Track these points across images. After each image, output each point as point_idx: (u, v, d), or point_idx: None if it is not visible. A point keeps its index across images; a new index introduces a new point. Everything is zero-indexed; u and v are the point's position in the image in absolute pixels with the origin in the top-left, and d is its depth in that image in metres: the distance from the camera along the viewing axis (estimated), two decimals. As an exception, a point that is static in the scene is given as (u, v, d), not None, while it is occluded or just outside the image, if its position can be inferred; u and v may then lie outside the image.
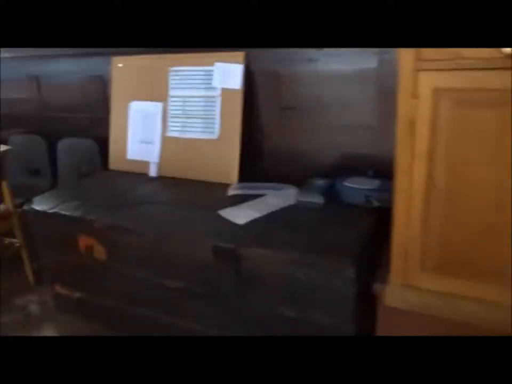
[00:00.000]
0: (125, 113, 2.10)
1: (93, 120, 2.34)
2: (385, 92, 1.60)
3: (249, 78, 1.84)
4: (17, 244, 2.09)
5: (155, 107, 2.02)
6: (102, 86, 2.26)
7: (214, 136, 1.88)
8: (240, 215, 1.49)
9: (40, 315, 1.96)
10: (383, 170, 1.60)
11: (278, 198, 1.62)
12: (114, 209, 1.65)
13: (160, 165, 2.01)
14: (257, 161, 1.94)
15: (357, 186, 1.55)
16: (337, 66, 1.68)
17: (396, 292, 1.14)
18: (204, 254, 1.39)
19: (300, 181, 1.74)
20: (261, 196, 1.66)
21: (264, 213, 1.50)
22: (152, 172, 2.02)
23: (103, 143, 2.21)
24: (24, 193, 2.31)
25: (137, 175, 2.03)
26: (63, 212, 1.66)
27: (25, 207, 2.16)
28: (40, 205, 1.75)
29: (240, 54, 1.81)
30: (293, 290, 1.29)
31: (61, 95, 2.44)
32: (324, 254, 1.24)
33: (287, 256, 1.27)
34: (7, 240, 2.13)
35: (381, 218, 1.46)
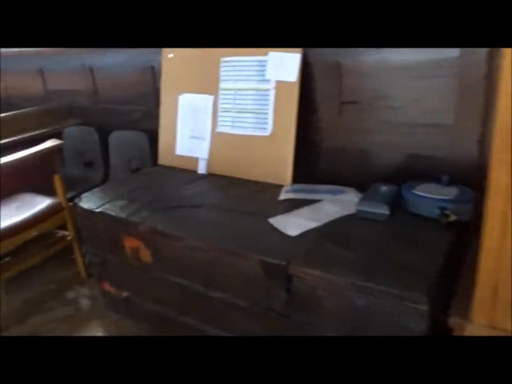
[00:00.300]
0: (174, 106, 2.01)
1: (144, 112, 2.29)
2: (467, 86, 1.37)
3: (306, 69, 1.66)
4: (69, 237, 2.09)
5: (205, 100, 1.91)
6: (153, 77, 2.19)
7: (267, 132, 1.73)
8: (292, 225, 1.35)
9: (90, 311, 1.96)
10: (461, 177, 1.39)
11: (335, 205, 1.45)
12: (159, 211, 1.57)
13: (209, 162, 1.90)
14: (313, 161, 1.78)
15: (429, 196, 1.34)
16: (410, 56, 1.46)
17: (479, 332, 0.95)
18: (252, 268, 1.27)
19: (360, 185, 1.57)
20: (317, 201, 1.50)
21: (320, 223, 1.35)
22: (201, 169, 1.92)
23: (153, 137, 2.15)
24: (78, 186, 2.33)
25: (186, 172, 1.95)
26: (109, 212, 1.61)
27: (76, 201, 2.17)
28: (87, 203, 1.71)
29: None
30: (349, 318, 1.13)
31: (114, 86, 2.40)
32: (389, 279, 1.07)
33: (345, 279, 1.11)
34: (60, 233, 2.14)
35: (459, 235, 1.26)
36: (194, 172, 1.93)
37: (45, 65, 2.72)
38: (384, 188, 1.45)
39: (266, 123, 1.73)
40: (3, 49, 2.88)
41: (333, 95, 1.66)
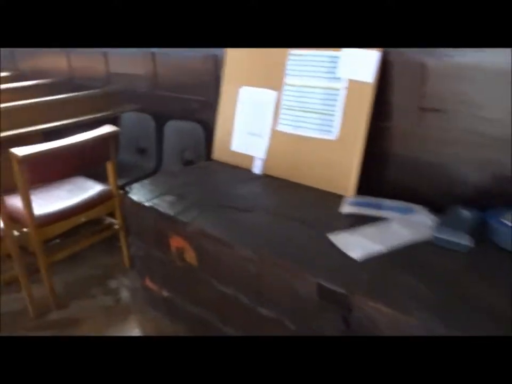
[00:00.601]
0: (234, 99, 1.89)
1: (202, 103, 2.20)
2: None
3: (384, 69, 1.48)
4: (117, 226, 2.06)
5: (267, 95, 1.77)
6: (215, 67, 2.09)
7: (332, 136, 1.57)
8: (355, 245, 1.19)
9: (129, 304, 1.91)
10: None
11: (405, 227, 1.28)
12: (209, 212, 1.47)
13: (265, 162, 1.78)
14: (381, 172, 1.60)
15: (522, 229, 1.14)
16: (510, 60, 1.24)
17: None
18: (306, 289, 1.13)
19: (433, 204, 1.38)
20: (384, 219, 1.33)
21: (388, 246, 1.18)
22: (257, 169, 1.80)
23: (210, 129, 2.05)
24: (130, 173, 2.29)
25: (240, 170, 1.83)
26: (157, 208, 1.53)
27: (127, 190, 2.12)
28: (137, 194, 1.64)
29: (377, 38, 1.46)
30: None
31: (174, 74, 2.33)
32: (474, 326, 0.89)
33: (415, 319, 0.95)
34: (108, 220, 2.11)
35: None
36: (248, 170, 1.82)
37: (109, 48, 2.71)
38: (465, 213, 1.25)
39: (332, 125, 1.57)
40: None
41: (412, 100, 1.47)
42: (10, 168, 1.62)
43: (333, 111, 1.57)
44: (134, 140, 2.46)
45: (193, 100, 2.25)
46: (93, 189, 1.98)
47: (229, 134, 1.91)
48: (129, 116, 2.49)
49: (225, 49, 1.91)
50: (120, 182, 2.07)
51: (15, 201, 1.76)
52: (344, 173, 1.54)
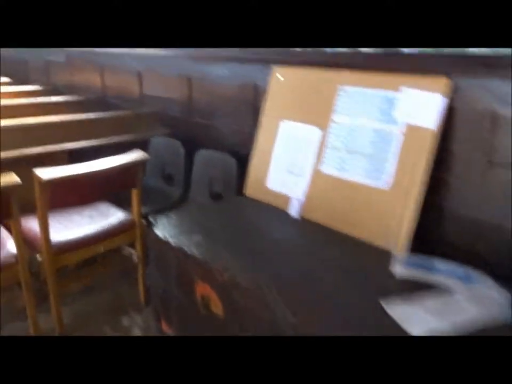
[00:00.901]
0: (273, 132, 1.77)
1: (237, 133, 2.08)
2: None
3: (448, 115, 1.33)
4: (136, 258, 1.92)
5: (311, 132, 1.64)
6: (253, 96, 1.97)
7: (384, 184, 1.42)
8: (415, 320, 1.01)
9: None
10: None
11: (472, 301, 1.09)
12: (241, 259, 1.32)
13: (304, 204, 1.62)
14: (437, 230, 1.42)
15: None
16: None
17: None
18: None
19: (496, 272, 1.20)
20: (445, 289, 1.15)
21: (453, 326, 1.00)
22: (293, 211, 1.65)
23: (243, 161, 1.92)
24: (154, 200, 2.17)
25: (275, 210, 1.68)
26: (183, 248, 1.38)
27: (150, 220, 2.00)
28: (162, 229, 1.50)
29: (442, 81, 1.32)
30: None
31: (209, 100, 2.23)
32: None
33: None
34: (127, 251, 1.98)
35: None
36: (285, 212, 1.66)
37: (144, 69, 2.65)
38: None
39: (384, 172, 1.42)
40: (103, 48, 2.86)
41: (479, 151, 1.31)
42: (30, 187, 1.51)
43: (386, 156, 1.42)
44: (161, 165, 2.35)
45: (227, 129, 2.13)
46: (114, 216, 1.86)
47: (264, 169, 1.78)
48: (159, 141, 2.39)
49: (269, 78, 1.80)
50: (143, 210, 1.94)
51: (31, 224, 1.65)
52: (395, 227, 1.37)
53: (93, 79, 3.15)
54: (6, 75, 4.16)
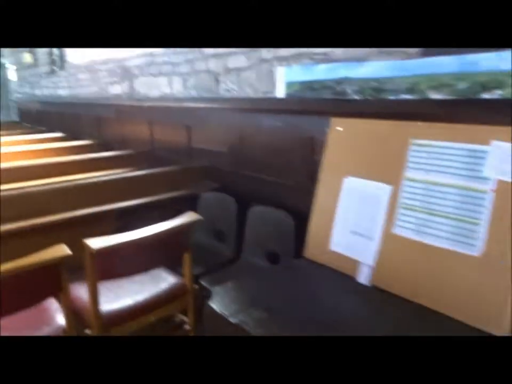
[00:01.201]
0: (336, 189, 1.61)
1: (293, 189, 1.95)
2: None
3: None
4: (188, 327, 1.77)
5: (380, 190, 1.48)
6: (310, 149, 1.85)
7: (473, 251, 1.21)
8: None
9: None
10: None
11: None
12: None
13: (375, 271, 1.44)
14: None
15: None
16: None
17: None
18: None
19: None
20: None
21: None
22: (363, 278, 1.46)
23: (301, 219, 1.77)
24: (204, 259, 2.05)
25: (341, 276, 1.51)
26: (246, 328, 1.23)
27: (202, 282, 1.87)
28: (218, 303, 1.36)
29: (540, 132, 1.13)
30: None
31: (262, 153, 2.14)
32: None
33: None
34: (179, 318, 1.84)
35: None
36: (352, 278, 1.48)
37: (193, 121, 2.62)
38: None
39: (474, 237, 1.22)
40: (151, 102, 2.89)
41: None
42: (77, 249, 1.43)
43: (475, 218, 1.22)
44: (212, 222, 2.24)
45: (282, 185, 2.01)
46: (166, 281, 1.74)
47: (327, 229, 1.62)
48: (209, 195, 2.30)
49: (328, 130, 1.67)
50: (194, 270, 1.81)
51: (80, 292, 1.56)
52: (492, 302, 1.15)
53: (142, 132, 3.18)
54: (60, 130, 4.34)
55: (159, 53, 2.90)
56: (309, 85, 1.89)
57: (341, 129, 1.64)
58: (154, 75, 3.00)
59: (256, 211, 2.02)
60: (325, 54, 1.84)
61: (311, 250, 1.66)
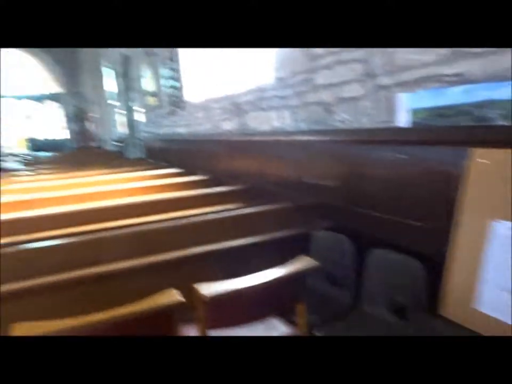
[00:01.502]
0: (480, 234, 1.33)
1: (424, 230, 1.68)
2: None
3: None
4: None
5: (544, 238, 1.17)
6: (444, 185, 1.58)
7: None
8: None
9: None
10: None
11: None
12: None
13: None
14: None
15: None
16: None
17: None
18: None
19: None
20: None
21: None
22: (525, 351, 1.14)
23: (434, 268, 1.51)
24: (318, 307, 1.86)
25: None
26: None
27: (317, 333, 1.68)
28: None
29: None
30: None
31: (381, 189, 1.91)
32: None
33: None
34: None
35: None
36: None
37: (302, 155, 2.51)
38: None
39: None
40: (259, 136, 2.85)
41: None
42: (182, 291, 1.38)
43: None
44: (325, 264, 2.06)
45: (409, 225, 1.76)
46: (278, 331, 1.60)
47: (470, 284, 1.33)
48: (322, 235, 2.13)
49: (467, 163, 1.41)
50: (308, 319, 1.64)
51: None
52: None
53: (252, 167, 3.17)
54: (179, 166, 4.60)
55: (268, 87, 2.88)
56: (439, 111, 1.65)
57: (485, 161, 1.36)
58: (264, 109, 2.99)
59: (377, 254, 1.79)
60: (457, 75, 1.59)
61: (449, 308, 1.39)
